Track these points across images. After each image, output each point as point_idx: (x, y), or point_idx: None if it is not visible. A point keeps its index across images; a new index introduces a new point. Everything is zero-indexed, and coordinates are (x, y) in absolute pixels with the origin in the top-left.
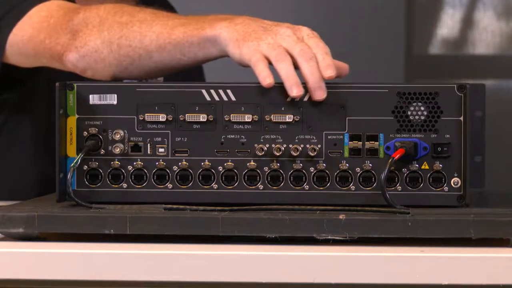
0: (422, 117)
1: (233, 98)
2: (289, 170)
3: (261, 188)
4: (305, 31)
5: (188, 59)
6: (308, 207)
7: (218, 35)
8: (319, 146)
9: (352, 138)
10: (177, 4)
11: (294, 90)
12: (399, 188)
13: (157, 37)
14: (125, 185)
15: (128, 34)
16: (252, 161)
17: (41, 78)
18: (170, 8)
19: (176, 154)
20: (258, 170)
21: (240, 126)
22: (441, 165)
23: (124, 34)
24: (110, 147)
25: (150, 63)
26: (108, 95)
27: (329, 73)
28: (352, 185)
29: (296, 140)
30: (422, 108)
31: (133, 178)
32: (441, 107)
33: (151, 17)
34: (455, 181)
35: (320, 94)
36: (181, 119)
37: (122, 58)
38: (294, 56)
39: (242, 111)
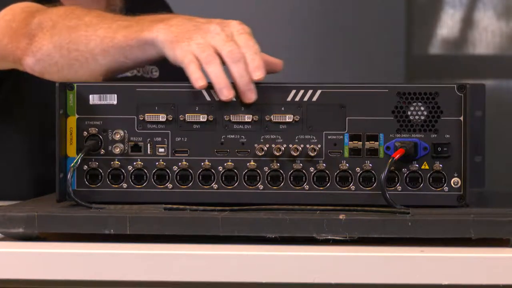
0: (422, 117)
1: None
2: (289, 170)
3: (261, 188)
4: (234, 26)
5: (130, 61)
6: (308, 207)
7: (155, 37)
8: (319, 146)
9: (352, 138)
10: (177, 4)
11: (224, 93)
12: (399, 188)
13: (101, 41)
14: (125, 185)
15: (76, 39)
16: (252, 161)
17: (22, 78)
18: (166, 8)
19: (176, 154)
20: (258, 170)
21: (240, 126)
22: (441, 165)
23: (72, 39)
24: (110, 147)
25: (98, 66)
26: (108, 95)
27: (258, 75)
28: (352, 185)
29: (296, 140)
30: (422, 108)
31: (133, 178)
32: (441, 107)
33: (97, 21)
34: (455, 181)
35: (250, 96)
36: (181, 119)
37: (72, 62)
38: (223, 57)
39: (242, 111)
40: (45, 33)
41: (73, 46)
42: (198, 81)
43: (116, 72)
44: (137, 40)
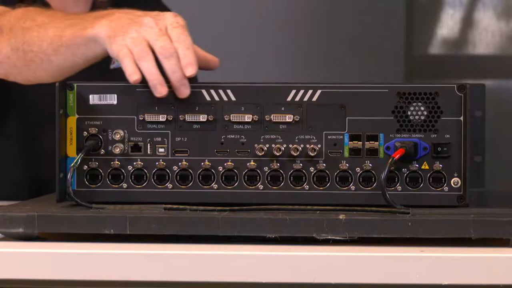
0: (422, 117)
1: (233, 98)
2: (289, 170)
3: (261, 188)
4: (168, 19)
5: (80, 59)
6: (308, 207)
7: (97, 34)
8: (319, 146)
9: (352, 138)
10: (176, 4)
11: (158, 90)
12: (399, 188)
13: (52, 40)
14: (125, 185)
15: (29, 40)
16: (252, 161)
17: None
18: (164, 9)
19: (176, 154)
20: (258, 170)
21: (240, 126)
22: (441, 165)
23: (26, 40)
24: (110, 147)
25: (52, 66)
26: (108, 95)
27: (190, 71)
28: (352, 185)
29: (296, 140)
30: (422, 108)
31: (133, 178)
32: (441, 107)
33: (49, 20)
34: (455, 181)
35: (183, 92)
36: (181, 119)
37: (28, 63)
38: (156, 53)
39: (242, 111)
40: (4, 36)
41: (28, 47)
42: (132, 76)
43: (71, 70)
44: (82, 37)
